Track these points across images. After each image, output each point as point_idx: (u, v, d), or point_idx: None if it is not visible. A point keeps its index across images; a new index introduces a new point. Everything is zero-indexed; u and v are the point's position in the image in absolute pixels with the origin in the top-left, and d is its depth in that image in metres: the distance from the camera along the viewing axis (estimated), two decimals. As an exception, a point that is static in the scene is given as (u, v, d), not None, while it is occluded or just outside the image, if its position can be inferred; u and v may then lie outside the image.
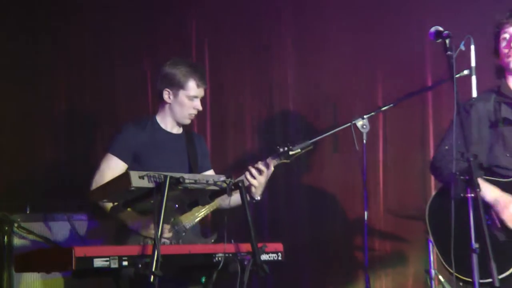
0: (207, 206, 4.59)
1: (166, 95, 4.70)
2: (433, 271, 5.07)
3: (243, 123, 6.38)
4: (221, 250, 4.01)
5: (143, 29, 6.59)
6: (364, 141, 4.69)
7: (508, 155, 4.27)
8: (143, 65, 6.53)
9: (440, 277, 5.09)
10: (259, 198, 4.61)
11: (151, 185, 3.79)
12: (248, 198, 4.59)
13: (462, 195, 3.72)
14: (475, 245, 3.64)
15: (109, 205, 4.16)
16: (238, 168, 5.98)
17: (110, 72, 6.61)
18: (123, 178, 3.82)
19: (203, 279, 4.27)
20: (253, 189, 4.56)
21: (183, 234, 4.59)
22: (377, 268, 5.86)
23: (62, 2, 6.65)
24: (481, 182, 3.85)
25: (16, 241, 5.04)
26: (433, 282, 5.06)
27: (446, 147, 4.27)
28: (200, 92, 4.71)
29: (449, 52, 3.83)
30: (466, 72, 4.65)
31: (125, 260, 3.73)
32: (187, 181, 3.83)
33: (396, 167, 5.91)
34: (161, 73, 4.74)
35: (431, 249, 5.03)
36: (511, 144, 4.27)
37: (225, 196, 4.06)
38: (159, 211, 3.69)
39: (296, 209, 6.12)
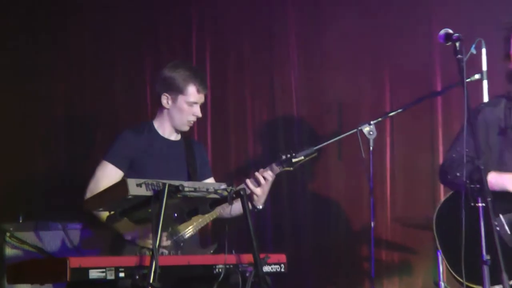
0: (207, 215, 4.58)
1: (165, 99, 4.69)
2: (442, 284, 5.06)
3: (244, 128, 6.38)
4: (222, 261, 4.00)
5: (143, 30, 6.60)
6: (371, 148, 4.70)
7: (518, 162, 4.27)
8: (143, 66, 6.54)
9: (450, 289, 5.09)
10: (261, 207, 4.61)
11: (149, 193, 3.78)
12: (250, 207, 4.61)
13: (472, 204, 3.72)
14: (486, 257, 3.64)
15: (105, 214, 4.14)
16: (240, 175, 6.00)
17: (110, 73, 6.62)
18: (120, 186, 3.82)
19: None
20: (255, 198, 4.57)
21: (182, 244, 4.59)
22: (384, 279, 5.86)
23: (62, 2, 6.65)
24: (502, 174, 3.86)
25: (8, 251, 5.04)
26: (442, 294, 5.06)
27: (455, 155, 4.27)
28: (200, 98, 4.69)
29: (459, 56, 3.83)
30: (477, 76, 4.66)
31: (122, 271, 3.73)
32: (186, 189, 3.83)
33: (404, 175, 5.90)
34: (160, 77, 4.72)
35: (440, 260, 5.02)
36: None
37: (226, 205, 4.05)
38: (158, 220, 3.69)
39: (300, 218, 6.12)
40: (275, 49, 6.34)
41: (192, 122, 4.73)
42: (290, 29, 6.29)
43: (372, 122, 4.75)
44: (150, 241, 4.32)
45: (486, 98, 4.85)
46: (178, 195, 3.80)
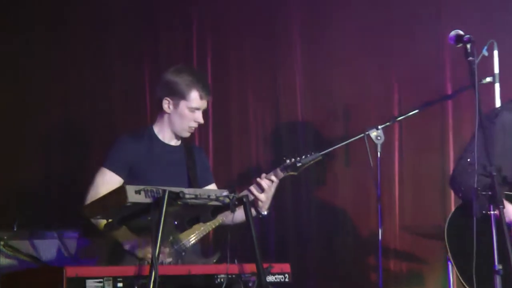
0: (209, 223, 4.59)
1: (166, 104, 4.70)
2: (452, 294, 5.07)
3: (247, 133, 6.39)
4: (224, 270, 4.01)
5: (142, 31, 6.60)
6: (379, 153, 4.71)
7: (535, 169, 4.28)
8: (142, 69, 6.54)
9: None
10: (265, 213, 4.63)
11: (148, 200, 3.78)
12: (254, 213, 4.62)
13: (484, 212, 3.72)
14: (499, 266, 3.64)
15: (103, 222, 4.15)
16: (243, 181, 6.00)
17: (108, 76, 6.61)
18: (119, 193, 3.82)
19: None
20: (259, 204, 4.58)
21: (183, 253, 4.60)
22: (392, 290, 5.87)
23: (59, 3, 6.65)
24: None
25: (2, 260, 5.04)
26: (452, 305, 5.06)
27: (468, 160, 4.27)
28: (203, 104, 4.70)
29: (470, 58, 3.84)
30: (489, 79, 4.66)
31: (120, 281, 3.73)
32: (187, 196, 3.83)
33: (413, 181, 5.91)
34: (162, 81, 4.73)
35: (450, 270, 5.02)
36: None
37: (228, 212, 4.06)
38: (157, 229, 3.69)
39: (305, 226, 6.12)
40: (278, 50, 6.34)
41: (193, 128, 4.74)
42: (294, 28, 6.30)
43: (380, 127, 4.76)
44: (149, 253, 4.32)
45: (498, 102, 4.85)
46: (179, 203, 3.81)
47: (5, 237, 5.06)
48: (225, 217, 4.55)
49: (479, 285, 3.91)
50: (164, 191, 3.75)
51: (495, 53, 4.72)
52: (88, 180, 4.64)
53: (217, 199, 3.95)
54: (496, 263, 3.63)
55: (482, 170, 3.76)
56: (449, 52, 5.76)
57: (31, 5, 6.53)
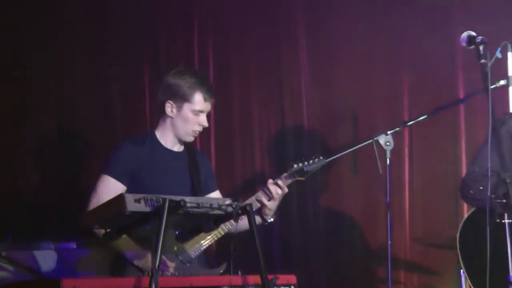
0: (214, 232, 4.61)
1: (169, 107, 4.72)
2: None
3: (251, 139, 6.40)
4: (227, 282, 4.01)
5: (142, 32, 6.62)
6: (388, 160, 4.71)
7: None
8: (142, 71, 6.56)
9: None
10: (272, 220, 4.65)
11: (148, 209, 3.79)
12: (260, 220, 4.64)
13: (497, 220, 3.73)
14: (514, 277, 3.65)
15: (102, 231, 4.17)
16: (246, 189, 6.01)
17: (106, 79, 6.64)
18: (117, 201, 3.83)
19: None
20: (266, 211, 4.60)
21: (188, 264, 4.60)
22: (403, 303, 5.87)
23: (54, 2, 6.67)
24: None
25: (-3, 272, 5.05)
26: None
27: (478, 169, 4.27)
28: (207, 106, 4.73)
29: (483, 60, 3.85)
30: (502, 82, 4.65)
31: (119, 294, 3.74)
32: (188, 204, 3.84)
33: (424, 189, 5.91)
34: (164, 83, 4.75)
35: (463, 281, 5.02)
36: None
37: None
38: (158, 239, 3.70)
39: (311, 235, 6.12)
40: (282, 52, 6.36)
41: (197, 132, 4.76)
42: (299, 30, 6.31)
43: (389, 132, 4.76)
44: (150, 263, 4.33)
45: (512, 106, 4.85)
46: (180, 212, 3.82)
47: (0, 249, 5.08)
48: (231, 226, 4.57)
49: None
50: (164, 199, 3.76)
51: (510, 55, 4.71)
52: (86, 188, 4.65)
53: (219, 207, 3.96)
54: (511, 273, 3.64)
55: (495, 177, 3.76)
56: (461, 54, 5.76)
57: (31, 5, 6.56)
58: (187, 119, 4.70)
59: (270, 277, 3.99)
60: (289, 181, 4.64)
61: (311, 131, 6.23)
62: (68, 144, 6.60)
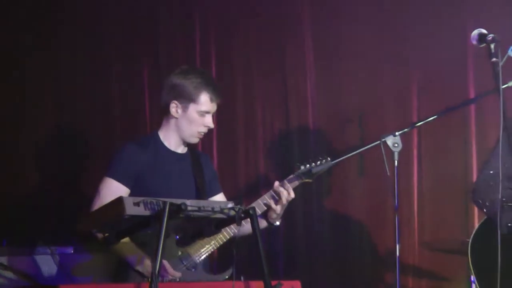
0: (220, 236, 4.62)
1: (174, 108, 4.72)
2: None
3: (255, 140, 6.40)
4: (229, 289, 4.03)
5: (141, 30, 6.62)
6: (396, 162, 4.71)
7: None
8: (141, 71, 6.57)
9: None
10: (278, 223, 4.67)
11: (147, 212, 3.80)
12: (265, 224, 4.65)
13: (510, 224, 3.73)
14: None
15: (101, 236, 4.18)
16: (249, 192, 6.01)
17: (105, 79, 6.64)
18: (116, 205, 3.83)
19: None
20: (273, 215, 4.62)
21: (193, 270, 4.61)
22: (411, 310, 5.87)
23: (57, 4, 6.69)
24: None
25: (-8, 278, 5.06)
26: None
27: (490, 172, 4.27)
28: (213, 107, 4.74)
29: (494, 59, 3.85)
30: (514, 82, 4.66)
31: (117, 301, 3.75)
32: (189, 208, 3.84)
33: (433, 193, 5.91)
34: (168, 84, 4.76)
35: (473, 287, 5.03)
36: None
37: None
38: (158, 244, 3.71)
39: (316, 240, 6.13)
40: (287, 51, 6.36)
41: (202, 133, 4.77)
42: (305, 29, 6.31)
43: (397, 133, 4.76)
44: (150, 268, 4.34)
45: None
46: (180, 215, 3.82)
47: (-6, 254, 5.09)
48: (237, 230, 4.56)
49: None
50: (164, 203, 3.76)
51: (522, 53, 4.72)
52: (86, 188, 4.66)
53: (221, 211, 3.96)
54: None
55: (507, 181, 3.76)
56: (472, 52, 5.76)
57: (30, 5, 6.58)
58: (192, 120, 4.71)
59: (273, 283, 4.00)
60: (296, 183, 4.65)
61: (316, 132, 6.24)
62: (67, 144, 6.61)
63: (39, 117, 6.60)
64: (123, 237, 4.04)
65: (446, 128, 5.77)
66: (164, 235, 3.72)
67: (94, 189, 4.69)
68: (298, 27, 6.31)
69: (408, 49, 6.00)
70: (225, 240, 4.68)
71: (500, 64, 3.84)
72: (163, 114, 4.79)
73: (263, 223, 4.73)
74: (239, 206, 3.97)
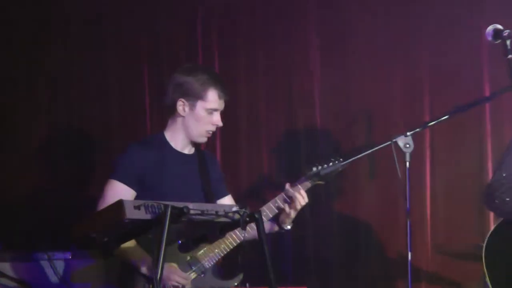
0: (230, 239, 4.62)
1: (181, 106, 4.74)
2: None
3: (259, 141, 6.40)
4: (234, 296, 4.03)
5: (140, 27, 6.62)
6: (407, 163, 4.71)
7: None
8: (141, 70, 6.57)
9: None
10: (289, 227, 4.68)
11: (148, 216, 3.81)
12: (276, 228, 4.66)
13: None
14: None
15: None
16: (253, 195, 6.02)
17: (102, 78, 6.65)
18: (115, 208, 3.84)
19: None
20: (285, 219, 4.64)
21: (202, 275, 4.62)
22: (424, 318, 5.87)
23: (56, 2, 6.70)
24: None
25: (-15, 285, 5.06)
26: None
27: (504, 174, 4.27)
28: (221, 104, 4.77)
29: (510, 55, 3.85)
30: (531, 79, 4.66)
31: (116, 308, 3.76)
32: (192, 211, 3.85)
33: (446, 195, 5.91)
34: (174, 81, 4.78)
35: (489, 294, 5.03)
36: None
37: (249, 228, 4.08)
38: (159, 249, 3.72)
39: (325, 245, 6.12)
40: (293, 49, 6.35)
41: (210, 132, 4.80)
42: (311, 25, 6.31)
43: (408, 133, 4.77)
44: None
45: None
46: (183, 219, 3.83)
47: (-12, 260, 5.09)
48: (248, 233, 4.56)
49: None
50: (166, 206, 3.77)
51: (539, 49, 4.72)
52: (85, 188, 4.66)
53: (226, 215, 3.97)
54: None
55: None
56: (487, 49, 5.76)
57: (29, 4, 6.59)
58: (200, 118, 4.73)
59: (280, 289, 4.01)
60: (308, 184, 4.67)
61: (323, 132, 6.24)
62: (62, 146, 6.61)
63: (39, 118, 6.62)
64: (123, 242, 4.05)
65: (460, 127, 5.77)
66: (166, 240, 3.73)
67: (90, 192, 4.70)
68: (303, 22, 6.31)
69: (419, 45, 5.99)
70: (235, 244, 4.68)
71: (516, 60, 3.85)
72: (169, 113, 4.81)
73: (274, 227, 4.75)
74: (244, 210, 3.98)
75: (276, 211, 4.64)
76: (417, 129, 4.84)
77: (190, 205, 3.85)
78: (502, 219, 4.44)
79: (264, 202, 4.78)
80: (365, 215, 6.08)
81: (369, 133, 6.08)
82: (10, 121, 6.59)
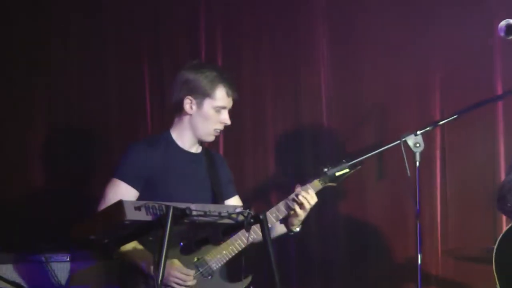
0: (238, 241, 4.63)
1: (188, 104, 4.76)
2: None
3: (264, 140, 6.41)
4: (237, 300, 4.04)
5: (141, 21, 6.63)
6: (417, 163, 4.72)
7: None
8: (141, 66, 6.58)
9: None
10: (298, 229, 4.70)
11: (149, 218, 3.82)
12: (284, 230, 4.67)
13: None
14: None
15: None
16: (258, 195, 6.02)
17: (101, 75, 6.66)
18: (115, 209, 3.84)
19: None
20: (295, 221, 4.65)
21: (209, 277, 4.63)
22: (434, 324, 5.88)
23: (53, 3, 6.71)
24: None
25: (-18, 288, 5.08)
26: None
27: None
28: (229, 102, 4.79)
29: (524, 52, 3.86)
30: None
31: (116, 312, 3.77)
32: (194, 213, 3.86)
33: (457, 197, 5.91)
34: (181, 79, 4.79)
35: (500, 299, 5.04)
36: None
37: (258, 230, 4.09)
38: (161, 251, 3.72)
39: (331, 248, 6.13)
40: (300, 46, 6.36)
41: (218, 131, 4.82)
42: (319, 19, 6.31)
43: (418, 132, 4.77)
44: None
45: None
46: (185, 221, 3.83)
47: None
48: (256, 235, 4.57)
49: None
50: (168, 207, 3.78)
51: (553, 46, 4.73)
52: (84, 189, 4.67)
53: (229, 216, 3.98)
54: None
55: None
56: (499, 45, 5.76)
57: (29, 4, 6.61)
58: (208, 116, 4.75)
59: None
60: (319, 186, 4.70)
61: (330, 131, 6.24)
62: (66, 144, 6.63)
63: (38, 118, 6.64)
64: (123, 244, 4.06)
65: (471, 126, 5.76)
66: (168, 242, 3.74)
67: (90, 192, 4.71)
68: (311, 14, 6.31)
69: (430, 41, 5.99)
70: (243, 245, 4.69)
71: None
72: (175, 112, 4.82)
73: (282, 229, 4.76)
74: (248, 211, 3.98)
75: (285, 212, 4.66)
76: (428, 128, 4.84)
77: (193, 206, 3.86)
78: (514, 221, 4.45)
79: (269, 203, 4.79)
80: (372, 217, 6.08)
81: (378, 132, 6.08)
82: (10, 121, 6.61)
